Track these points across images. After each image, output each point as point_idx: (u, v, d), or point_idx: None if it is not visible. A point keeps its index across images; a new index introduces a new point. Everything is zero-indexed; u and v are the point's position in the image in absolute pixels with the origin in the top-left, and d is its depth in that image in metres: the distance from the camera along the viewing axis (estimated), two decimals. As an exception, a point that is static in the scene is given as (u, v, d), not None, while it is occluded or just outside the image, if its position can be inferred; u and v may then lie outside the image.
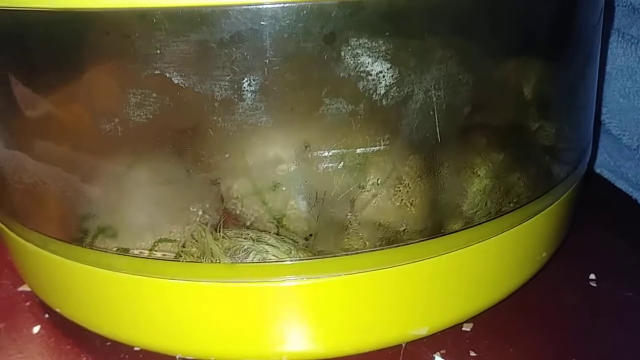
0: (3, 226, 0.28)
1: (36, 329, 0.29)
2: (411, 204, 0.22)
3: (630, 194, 0.36)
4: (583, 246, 0.34)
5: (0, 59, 0.23)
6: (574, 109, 0.28)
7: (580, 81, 0.28)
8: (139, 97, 0.20)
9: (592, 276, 0.31)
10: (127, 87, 0.20)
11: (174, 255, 0.22)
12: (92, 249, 0.23)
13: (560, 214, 0.28)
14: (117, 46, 0.19)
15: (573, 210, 0.31)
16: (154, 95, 0.20)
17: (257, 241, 0.22)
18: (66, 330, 0.29)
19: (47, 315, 0.30)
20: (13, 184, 0.25)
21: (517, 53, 0.24)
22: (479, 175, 0.23)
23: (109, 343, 0.28)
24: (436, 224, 0.23)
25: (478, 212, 0.23)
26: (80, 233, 0.23)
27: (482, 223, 0.24)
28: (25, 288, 0.32)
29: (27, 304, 0.31)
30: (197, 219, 0.21)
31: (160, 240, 0.22)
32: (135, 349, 0.27)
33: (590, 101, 0.30)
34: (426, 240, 0.23)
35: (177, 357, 0.27)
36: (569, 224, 0.31)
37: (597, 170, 0.39)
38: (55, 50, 0.21)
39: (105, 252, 0.23)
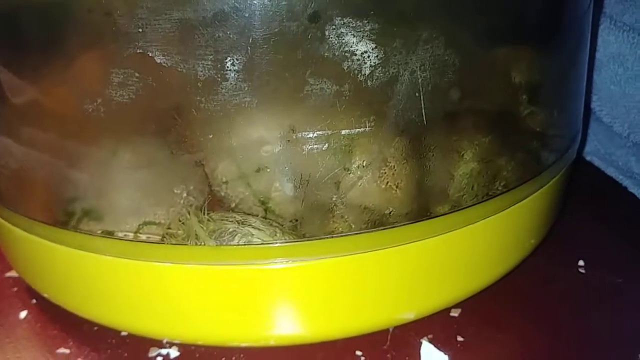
0: (-12, 210, 0.27)
1: (23, 314, 0.29)
2: (397, 187, 0.22)
3: (620, 182, 0.36)
4: (572, 233, 0.34)
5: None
6: (563, 94, 0.28)
7: (569, 67, 0.28)
8: (121, 76, 0.19)
9: (581, 262, 0.31)
10: (110, 67, 0.19)
11: (159, 237, 0.22)
12: (77, 232, 0.23)
13: (548, 199, 0.28)
14: (99, 25, 0.19)
15: (561, 197, 0.31)
16: (137, 74, 0.19)
17: (243, 224, 0.22)
18: (53, 315, 0.29)
19: (34, 301, 0.30)
20: (-2, 169, 0.25)
21: (505, 37, 0.24)
22: (465, 159, 0.23)
23: (96, 328, 0.28)
24: (422, 207, 0.23)
25: (465, 196, 0.23)
26: (65, 216, 0.23)
27: (469, 207, 0.24)
28: (12, 274, 0.32)
29: (14, 289, 0.31)
30: (181, 201, 0.21)
31: (145, 223, 0.22)
32: (123, 333, 0.27)
33: (580, 87, 0.30)
34: (412, 223, 0.23)
35: (164, 341, 0.27)
36: (557, 210, 0.31)
37: (588, 158, 0.39)
38: (37, 30, 0.20)
39: (90, 235, 0.23)
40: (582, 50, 0.29)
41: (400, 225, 0.23)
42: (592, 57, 0.36)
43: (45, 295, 0.28)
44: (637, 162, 0.36)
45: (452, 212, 0.23)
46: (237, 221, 0.22)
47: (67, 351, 0.27)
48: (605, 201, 0.37)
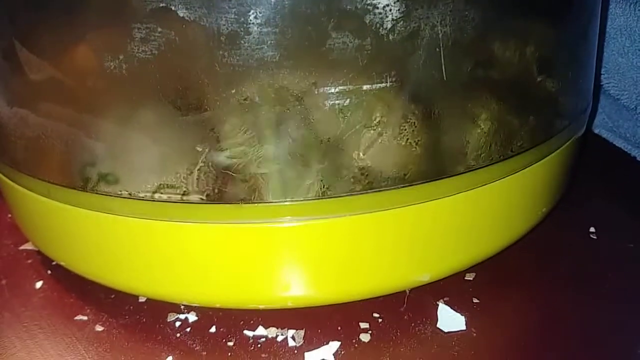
0: (4, 178, 0.27)
1: (39, 284, 0.29)
2: (416, 144, 0.22)
3: (629, 152, 0.37)
4: (583, 202, 0.34)
5: None
6: (576, 61, 0.28)
7: (582, 32, 0.28)
8: (144, 32, 0.20)
9: (592, 229, 0.31)
10: (132, 22, 0.20)
11: (179, 196, 0.22)
12: (95, 193, 0.23)
13: (559, 164, 0.28)
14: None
15: (572, 166, 0.31)
16: (159, 29, 0.19)
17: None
18: (69, 284, 0.29)
19: (49, 272, 0.30)
20: (15, 138, 0.25)
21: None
22: (482, 118, 0.23)
23: (113, 296, 0.28)
24: (440, 166, 0.23)
25: (482, 155, 0.23)
26: (84, 179, 0.23)
27: (484, 166, 0.24)
28: (26, 247, 0.32)
29: (29, 261, 0.31)
30: (203, 157, 0.21)
31: (163, 186, 0.22)
32: (140, 300, 0.27)
33: (591, 53, 0.30)
34: (429, 182, 0.23)
35: (182, 306, 0.27)
36: (568, 178, 0.31)
37: (596, 131, 0.39)
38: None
39: (109, 196, 0.23)
40: (594, 21, 0.29)
41: (418, 184, 0.23)
42: (601, 30, 0.36)
43: (62, 263, 0.28)
44: (645, 132, 0.36)
45: (467, 172, 0.24)
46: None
47: (85, 318, 0.27)
48: (614, 171, 0.37)
